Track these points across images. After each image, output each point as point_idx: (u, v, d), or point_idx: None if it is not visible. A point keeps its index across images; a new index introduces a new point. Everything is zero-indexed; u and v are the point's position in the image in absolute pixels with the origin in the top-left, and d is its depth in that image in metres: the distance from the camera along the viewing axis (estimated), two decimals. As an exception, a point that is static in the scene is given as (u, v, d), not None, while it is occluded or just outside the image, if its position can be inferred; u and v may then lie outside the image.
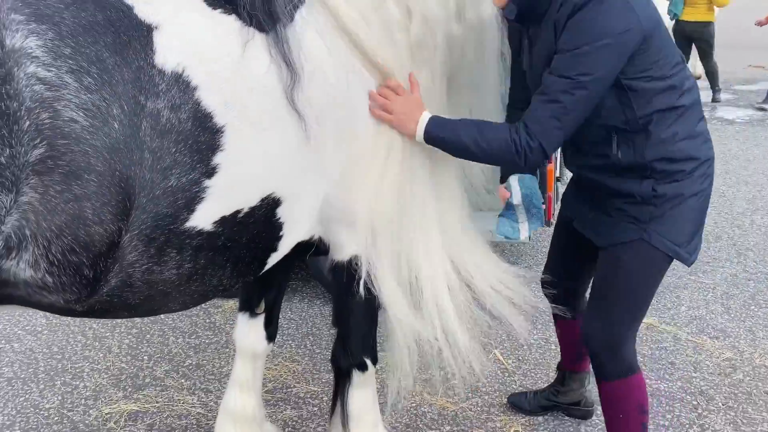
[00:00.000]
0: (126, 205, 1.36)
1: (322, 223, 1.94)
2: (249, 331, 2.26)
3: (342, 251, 2.01)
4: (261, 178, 1.62)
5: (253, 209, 1.62)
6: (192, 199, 1.46)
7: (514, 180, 2.01)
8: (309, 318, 3.60)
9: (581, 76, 1.70)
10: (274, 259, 1.84)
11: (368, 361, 2.16)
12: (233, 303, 3.54)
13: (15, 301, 1.44)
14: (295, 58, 1.63)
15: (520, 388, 2.92)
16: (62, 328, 3.51)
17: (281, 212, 1.72)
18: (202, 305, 3.72)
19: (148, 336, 3.45)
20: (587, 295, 2.23)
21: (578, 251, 2.11)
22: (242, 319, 2.27)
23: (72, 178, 1.27)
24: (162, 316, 3.66)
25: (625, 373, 2.01)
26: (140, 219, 1.39)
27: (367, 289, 2.07)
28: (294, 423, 2.72)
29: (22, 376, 3.10)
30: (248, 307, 2.26)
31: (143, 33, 1.42)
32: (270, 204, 1.66)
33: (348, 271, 2.03)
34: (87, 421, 2.74)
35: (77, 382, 3.04)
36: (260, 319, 2.27)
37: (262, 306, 2.27)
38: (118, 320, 3.57)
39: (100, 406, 2.85)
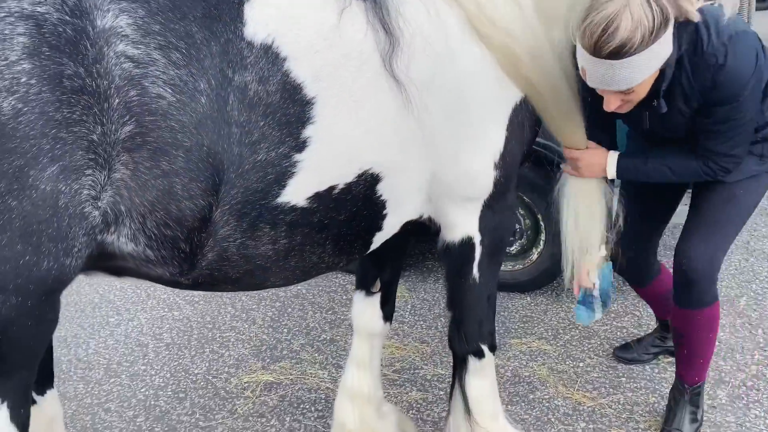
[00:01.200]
0: (215, 180, 1.36)
1: (432, 202, 1.84)
2: (365, 309, 2.23)
3: (453, 231, 1.89)
4: (356, 152, 1.55)
5: (349, 185, 1.56)
6: (282, 174, 1.44)
7: (594, 273, 2.15)
8: (442, 299, 3.51)
9: (747, 111, 1.85)
10: (379, 238, 1.77)
11: (485, 348, 2.02)
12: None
13: (129, 273, 1.52)
14: (393, 23, 1.54)
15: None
16: (215, 299, 3.77)
17: (382, 189, 1.64)
18: (341, 282, 3.81)
19: (289, 310, 3.58)
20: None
21: (655, 216, 2.34)
22: (358, 297, 2.25)
23: (160, 154, 1.30)
24: (303, 291, 3.79)
25: (716, 297, 2.17)
26: (230, 194, 1.39)
27: (482, 273, 1.94)
28: (419, 406, 2.66)
29: (178, 342, 3.37)
30: (364, 286, 2.23)
31: (233, 5, 1.41)
32: (368, 180, 1.59)
33: (460, 253, 1.91)
34: (228, 388, 2.91)
35: (223, 351, 3.24)
36: (376, 298, 2.23)
37: (378, 285, 2.22)
38: (264, 294, 3.77)
39: (240, 375, 3.01)
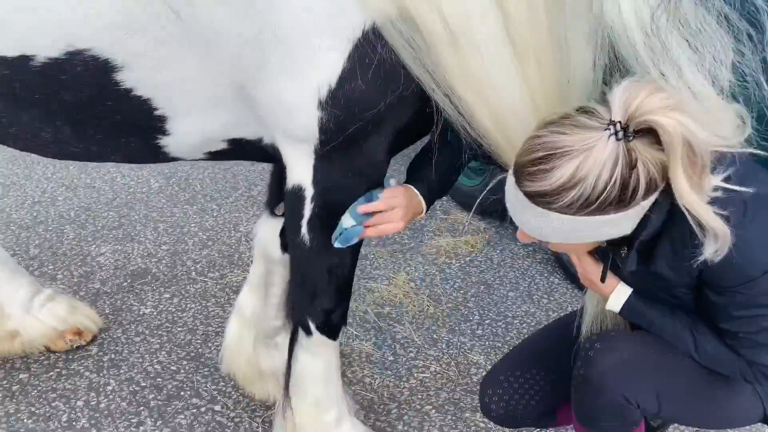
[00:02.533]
0: None
1: (268, 127, 1.46)
2: (264, 230, 1.99)
3: (288, 172, 1.50)
4: (54, 23, 1.27)
5: (58, 62, 1.31)
6: None
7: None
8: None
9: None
10: (175, 143, 1.49)
11: (312, 326, 1.63)
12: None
13: None
14: None
15: None
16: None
17: (130, 81, 1.35)
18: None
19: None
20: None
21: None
22: (263, 216, 2.00)
23: None
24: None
25: (638, 421, 1.51)
26: None
27: (315, 235, 1.51)
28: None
29: (242, 197, 3.37)
30: (269, 205, 1.97)
31: None
32: (92, 63, 1.31)
33: (290, 201, 1.53)
34: (215, 262, 2.82)
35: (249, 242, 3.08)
36: (278, 223, 1.93)
37: (281, 209, 1.91)
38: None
39: (234, 268, 2.85)
